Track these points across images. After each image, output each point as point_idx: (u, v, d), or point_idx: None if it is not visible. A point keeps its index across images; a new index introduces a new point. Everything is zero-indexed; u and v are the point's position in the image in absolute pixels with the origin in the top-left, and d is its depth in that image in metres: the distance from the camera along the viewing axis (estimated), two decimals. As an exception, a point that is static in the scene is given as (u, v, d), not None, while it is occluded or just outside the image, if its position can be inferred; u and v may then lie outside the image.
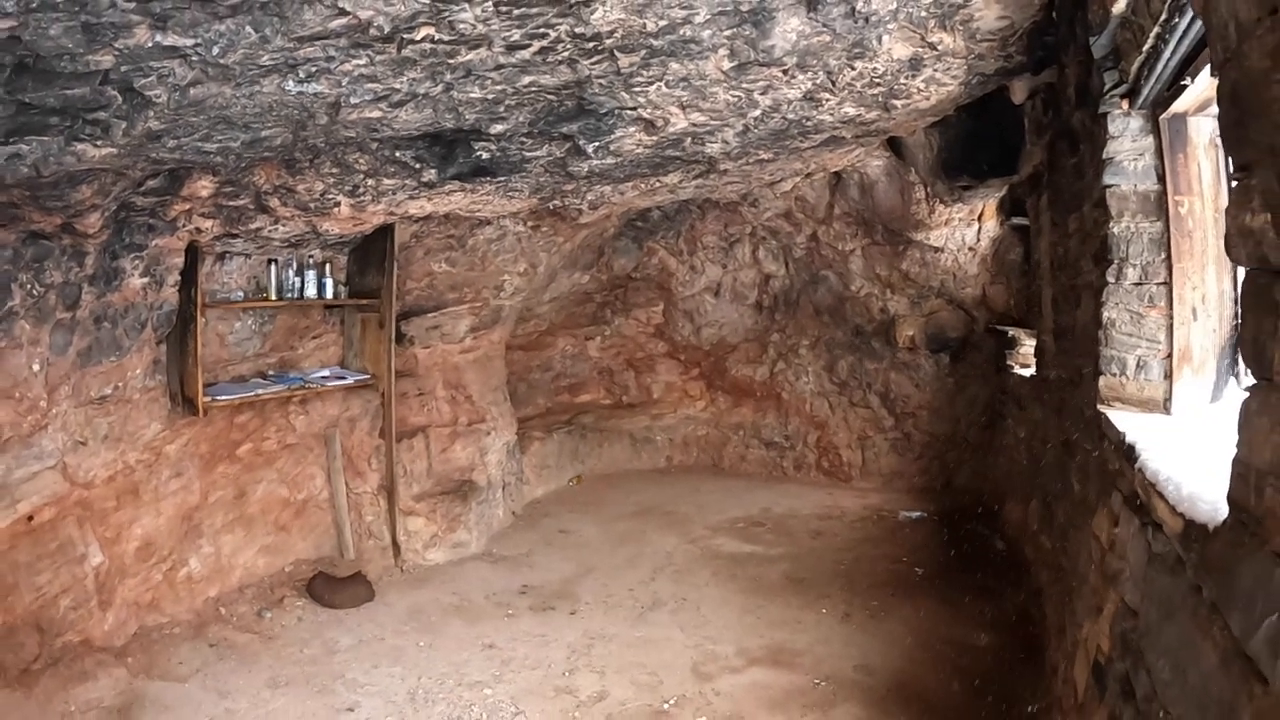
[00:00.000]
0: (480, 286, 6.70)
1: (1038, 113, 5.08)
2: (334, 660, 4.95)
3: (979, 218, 7.66)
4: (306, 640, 5.16)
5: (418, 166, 4.55)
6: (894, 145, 7.06)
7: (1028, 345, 7.14)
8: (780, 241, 8.64)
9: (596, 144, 4.57)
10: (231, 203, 4.59)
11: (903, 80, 4.44)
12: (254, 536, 5.70)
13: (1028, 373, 6.71)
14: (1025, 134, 5.44)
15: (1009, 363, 7.38)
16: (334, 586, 5.60)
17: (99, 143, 3.32)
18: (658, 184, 5.95)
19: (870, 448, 8.51)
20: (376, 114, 3.58)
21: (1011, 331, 7.45)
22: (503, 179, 4.96)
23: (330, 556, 6.06)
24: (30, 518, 4.49)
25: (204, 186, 4.24)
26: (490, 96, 3.66)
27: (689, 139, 4.87)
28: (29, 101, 2.98)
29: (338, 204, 4.81)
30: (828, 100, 4.62)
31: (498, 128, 4.07)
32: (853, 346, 8.55)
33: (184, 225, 4.65)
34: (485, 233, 6.48)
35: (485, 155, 4.49)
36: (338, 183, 4.60)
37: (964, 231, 7.74)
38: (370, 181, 4.65)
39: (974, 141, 6.41)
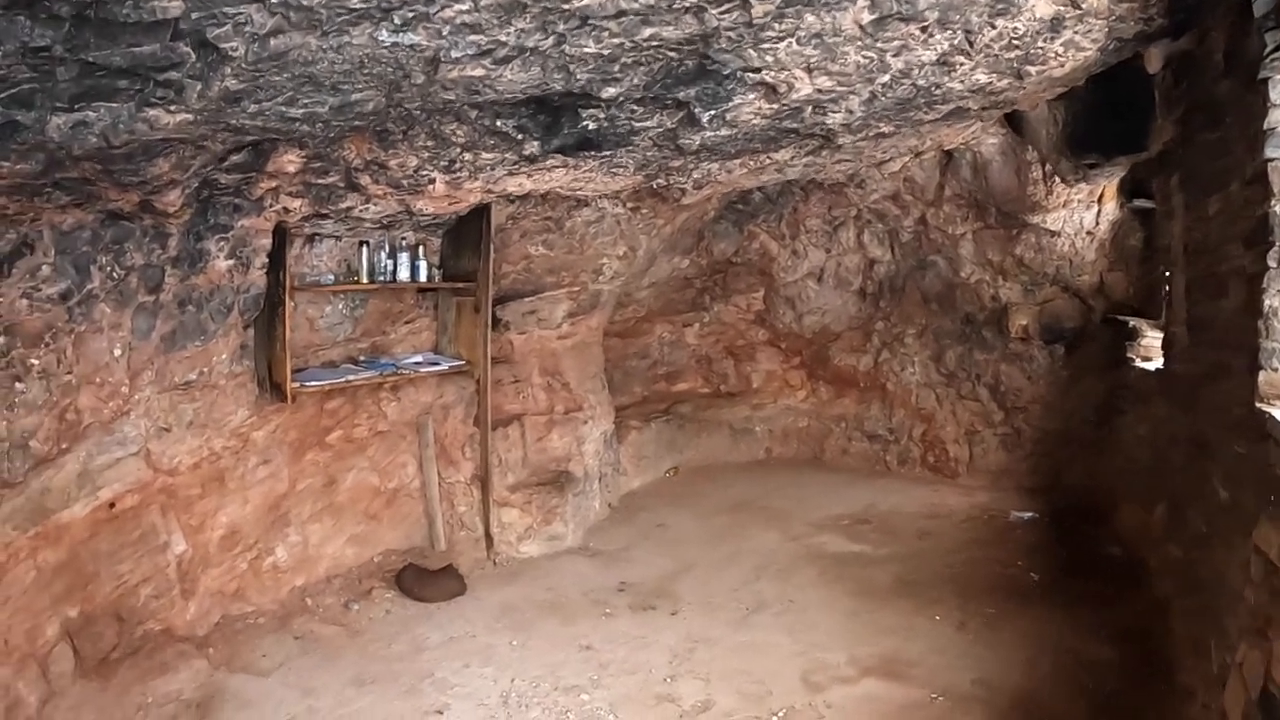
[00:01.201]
0: (578, 270, 6.14)
1: (1168, 84, 4.44)
2: (422, 658, 4.52)
3: (1099, 199, 6.84)
4: (394, 635, 4.73)
5: (519, 138, 3.96)
6: (1011, 121, 6.28)
7: (1150, 336, 6.35)
8: (887, 225, 7.89)
9: (712, 112, 3.94)
10: (320, 180, 4.09)
11: (1040, 43, 3.79)
12: (343, 526, 5.27)
13: (1151, 366, 5.97)
14: (1155, 107, 4.72)
15: (1129, 355, 6.54)
16: (424, 579, 5.14)
17: (173, 107, 2.83)
18: (767, 161, 5.29)
19: (978, 443, 7.71)
20: (479, 72, 3.00)
21: (1132, 322, 6.63)
22: (608, 153, 4.36)
23: (421, 547, 5.60)
24: (112, 505, 4.19)
25: (290, 161, 3.74)
26: (605, 52, 3.05)
27: (811, 108, 4.22)
28: (94, 61, 2.51)
29: (432, 181, 4.27)
30: (961, 65, 3.97)
31: (610, 91, 3.45)
32: (962, 336, 7.76)
33: (271, 205, 4.18)
34: (583, 214, 5.91)
35: (592, 125, 3.89)
36: (433, 157, 4.06)
37: (1083, 214, 6.91)
38: (467, 156, 4.09)
39: (1100, 116, 5.60)
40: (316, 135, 3.48)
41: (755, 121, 4.23)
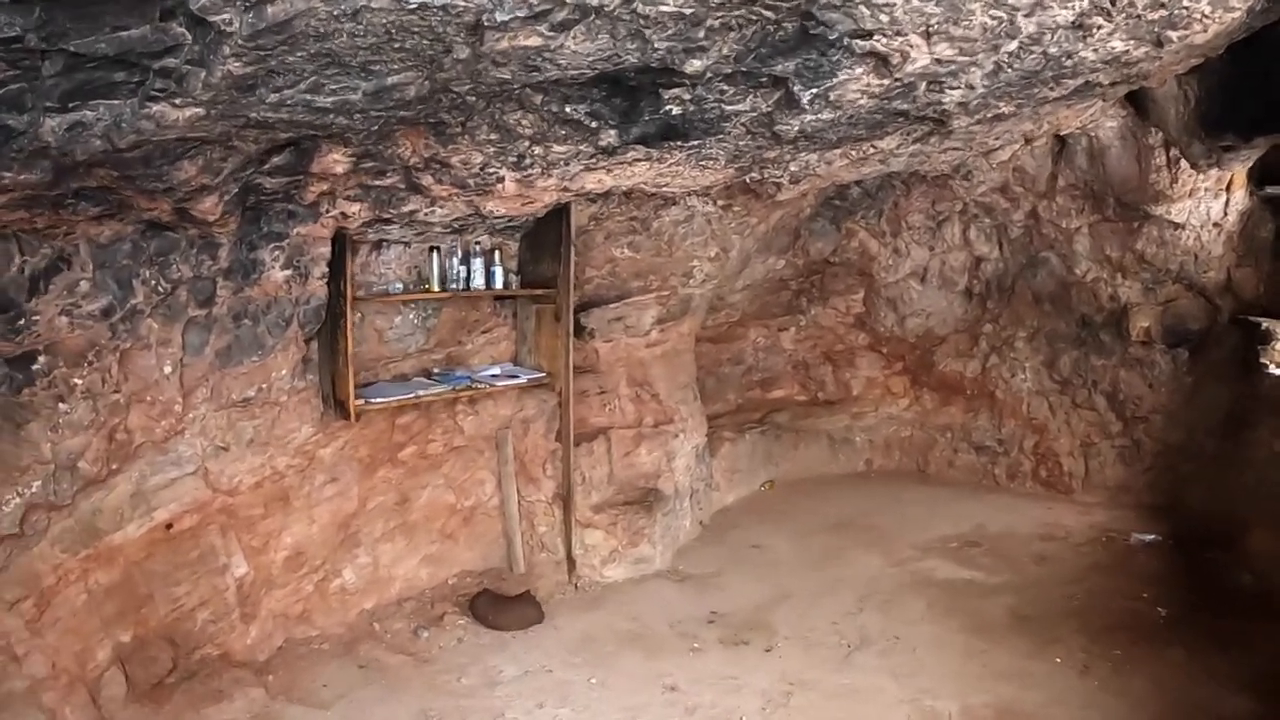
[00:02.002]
0: (667, 274, 5.47)
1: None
2: (494, 695, 3.99)
3: (1227, 187, 5.89)
4: (465, 666, 4.20)
5: (594, 126, 3.30)
6: (1133, 100, 5.40)
7: (1288, 340, 5.53)
8: (994, 219, 6.95)
9: (814, 91, 3.22)
10: (377, 182, 3.55)
11: (1187, 1, 3.01)
12: (416, 546, 4.76)
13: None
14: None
15: (1261, 360, 5.69)
16: (499, 606, 4.58)
17: (178, 100, 2.31)
18: (871, 150, 4.52)
19: (1094, 456, 6.73)
20: (535, 41, 2.35)
21: (1265, 323, 5.74)
22: (696, 143, 3.66)
23: (498, 569, 5.05)
24: (169, 526, 3.82)
25: (337, 161, 3.18)
26: (687, 12, 2.35)
27: (925, 84, 3.45)
28: (79, 52, 2.02)
29: (501, 179, 3.66)
30: (1099, 29, 3.21)
31: (695, 64, 2.75)
32: (1077, 339, 6.77)
33: (327, 210, 3.68)
34: (671, 214, 5.25)
35: (676, 110, 3.20)
36: (499, 152, 3.44)
37: (1210, 204, 5.96)
38: (537, 149, 3.46)
39: (1236, 91, 4.78)
40: (358, 129, 2.90)
41: (862, 102, 3.50)
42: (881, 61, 3.13)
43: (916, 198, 7.04)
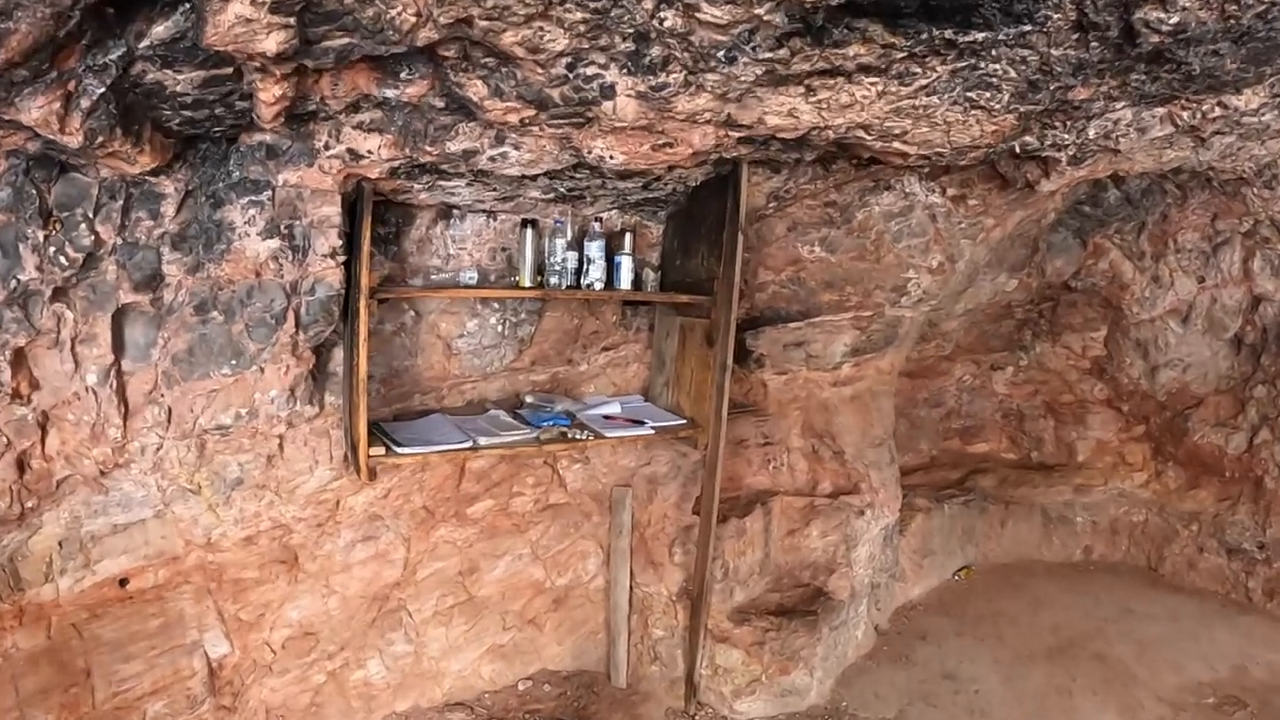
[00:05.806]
0: (871, 286, 3.39)
1: None
2: None
3: None
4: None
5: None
6: None
7: None
8: (1290, 246, 4.34)
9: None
10: (391, 92, 1.76)
11: None
12: (481, 632, 3.03)
13: None
14: None
15: None
16: (583, 745, 2.77)
17: None
18: (1215, 112, 2.29)
19: (1377, 577, 4.09)
20: None
21: None
22: (981, 39, 1.60)
23: (592, 674, 3.21)
24: (123, 582, 2.40)
25: (248, 21, 1.35)
26: None
27: None
28: None
29: (609, 91, 1.77)
30: None
31: None
32: None
33: (328, 146, 1.95)
34: (883, 202, 3.20)
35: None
36: (597, 29, 1.55)
37: None
38: (671, 20, 1.49)
39: None
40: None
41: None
42: None
43: (1194, 210, 4.47)
